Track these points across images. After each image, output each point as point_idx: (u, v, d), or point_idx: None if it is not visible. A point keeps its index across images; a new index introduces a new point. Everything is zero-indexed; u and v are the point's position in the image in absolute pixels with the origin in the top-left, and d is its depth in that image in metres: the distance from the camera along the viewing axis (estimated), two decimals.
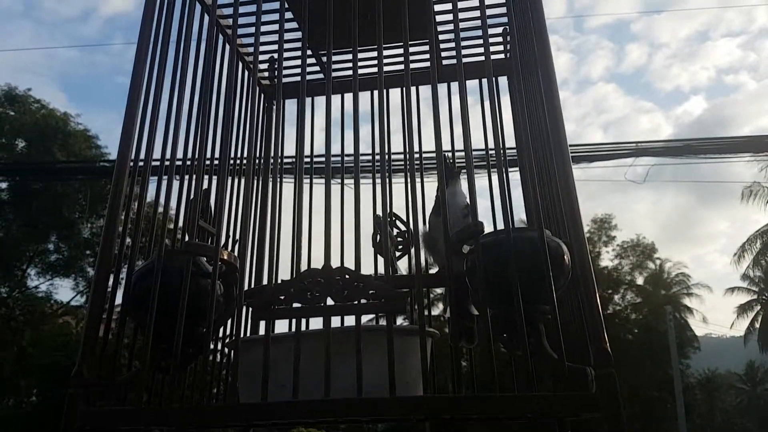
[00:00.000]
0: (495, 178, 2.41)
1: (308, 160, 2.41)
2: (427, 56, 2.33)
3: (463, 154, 1.44)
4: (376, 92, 2.28)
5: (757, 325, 23.42)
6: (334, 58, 2.31)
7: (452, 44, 2.30)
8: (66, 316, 16.83)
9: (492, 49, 2.30)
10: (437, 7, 2.00)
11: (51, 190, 15.77)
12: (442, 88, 2.30)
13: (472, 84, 2.22)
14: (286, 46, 2.09)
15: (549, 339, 1.25)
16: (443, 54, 2.39)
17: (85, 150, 16.74)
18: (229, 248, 1.90)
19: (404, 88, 1.42)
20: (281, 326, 1.57)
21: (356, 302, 1.26)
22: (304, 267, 1.54)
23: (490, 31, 2.22)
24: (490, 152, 2.17)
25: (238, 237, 2.04)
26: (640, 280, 22.63)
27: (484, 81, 2.27)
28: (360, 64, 2.34)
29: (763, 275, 23.11)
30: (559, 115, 1.26)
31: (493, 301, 1.25)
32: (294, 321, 1.35)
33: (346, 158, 2.40)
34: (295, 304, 1.30)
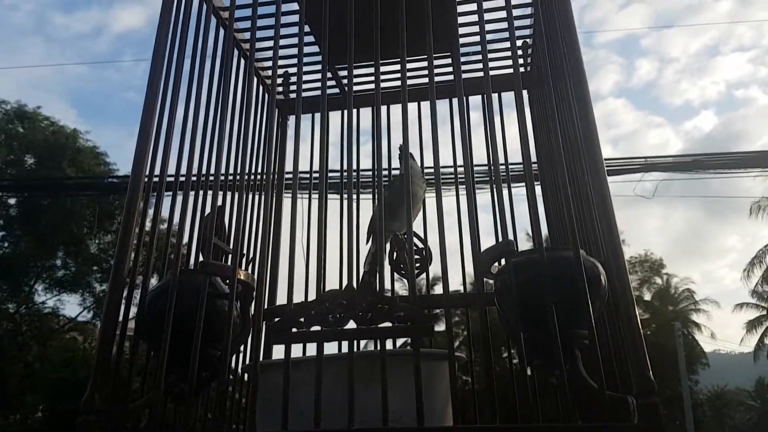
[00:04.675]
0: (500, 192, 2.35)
1: (317, 175, 2.36)
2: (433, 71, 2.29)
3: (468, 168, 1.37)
4: (381, 107, 2.24)
5: (767, 341, 23.18)
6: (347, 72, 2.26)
7: (468, 58, 2.26)
8: (73, 331, 16.78)
9: (509, 63, 2.26)
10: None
11: (59, 206, 15.78)
12: (443, 104, 2.26)
13: (476, 99, 2.19)
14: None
15: (585, 365, 1.18)
16: (446, 70, 2.35)
17: (94, 166, 16.78)
18: (243, 267, 1.84)
19: (430, 102, 1.36)
20: (296, 349, 1.51)
21: (381, 325, 1.20)
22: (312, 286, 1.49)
23: (506, 44, 2.17)
24: (511, 167, 2.12)
25: (251, 256, 1.99)
26: (647, 296, 22.46)
27: (502, 95, 2.23)
28: (367, 79, 2.32)
29: None
30: (593, 130, 1.20)
31: (526, 324, 1.19)
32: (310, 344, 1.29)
33: (358, 174, 2.35)
34: (315, 327, 1.24)
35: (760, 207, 20.61)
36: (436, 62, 2.20)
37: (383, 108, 2.20)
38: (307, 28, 1.89)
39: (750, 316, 23.75)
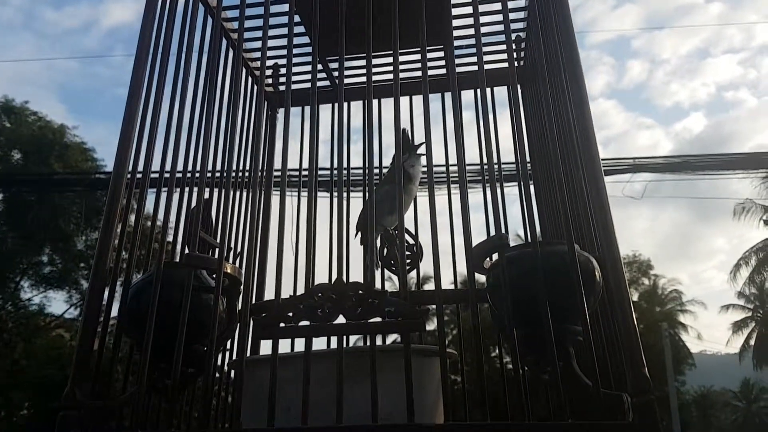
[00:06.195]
0: (490, 190, 2.32)
1: (306, 171, 2.33)
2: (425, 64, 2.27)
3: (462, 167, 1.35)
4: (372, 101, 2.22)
5: (752, 343, 23.34)
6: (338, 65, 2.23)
7: (461, 51, 2.24)
8: (59, 328, 16.66)
9: (502, 57, 2.23)
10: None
11: (46, 203, 15.65)
12: (434, 100, 2.23)
13: (467, 98, 2.17)
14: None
15: (579, 362, 1.16)
16: (438, 63, 2.33)
17: (82, 162, 16.65)
18: (230, 260, 1.81)
19: (423, 96, 1.34)
20: (284, 345, 1.48)
21: (371, 320, 1.17)
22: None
23: (499, 38, 2.15)
24: (503, 165, 2.10)
25: (239, 249, 1.95)
26: (635, 297, 22.58)
27: (496, 90, 2.20)
28: (360, 72, 2.29)
29: (758, 292, 23.05)
30: (589, 122, 1.18)
31: (519, 320, 1.16)
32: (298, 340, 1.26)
33: (347, 170, 2.31)
34: (304, 322, 1.21)
35: (744, 208, 20.72)
36: (428, 55, 2.18)
37: (374, 101, 2.17)
38: (297, 18, 1.86)
39: (736, 318, 23.95)
